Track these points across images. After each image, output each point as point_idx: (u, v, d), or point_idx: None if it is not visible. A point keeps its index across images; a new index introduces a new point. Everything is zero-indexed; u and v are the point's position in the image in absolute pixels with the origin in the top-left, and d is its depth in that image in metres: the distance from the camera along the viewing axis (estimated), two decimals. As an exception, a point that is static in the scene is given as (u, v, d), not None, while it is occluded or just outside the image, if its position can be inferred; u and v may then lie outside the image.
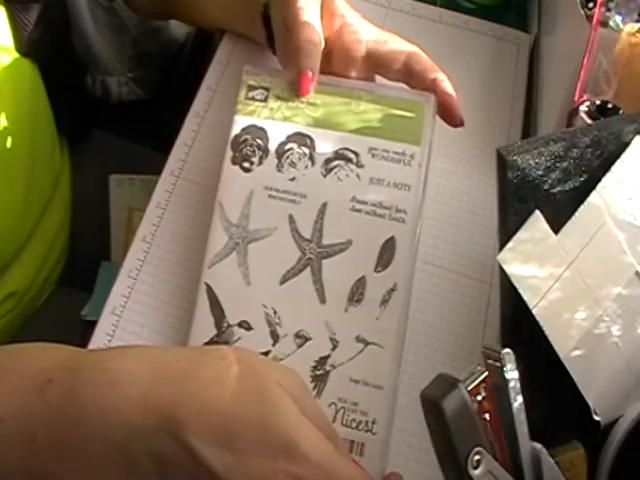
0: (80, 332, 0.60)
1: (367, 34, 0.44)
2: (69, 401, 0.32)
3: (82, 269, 0.66)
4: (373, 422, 0.39)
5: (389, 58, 0.43)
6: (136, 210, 0.71)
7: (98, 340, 0.45)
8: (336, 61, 0.44)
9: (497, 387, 0.32)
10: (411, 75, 0.43)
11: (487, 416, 0.32)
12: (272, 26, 0.47)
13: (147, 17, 0.74)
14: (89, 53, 0.77)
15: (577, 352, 0.36)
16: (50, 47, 0.54)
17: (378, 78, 0.47)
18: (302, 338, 0.40)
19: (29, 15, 0.51)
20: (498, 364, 0.32)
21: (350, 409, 0.39)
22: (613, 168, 0.37)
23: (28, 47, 0.51)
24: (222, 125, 0.52)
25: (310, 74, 0.42)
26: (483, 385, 0.31)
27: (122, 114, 0.81)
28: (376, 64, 0.44)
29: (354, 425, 0.39)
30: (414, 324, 0.46)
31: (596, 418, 0.37)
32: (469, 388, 0.30)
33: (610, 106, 0.43)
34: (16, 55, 0.50)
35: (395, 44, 0.44)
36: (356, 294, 0.40)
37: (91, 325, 0.46)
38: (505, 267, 0.35)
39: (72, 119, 0.66)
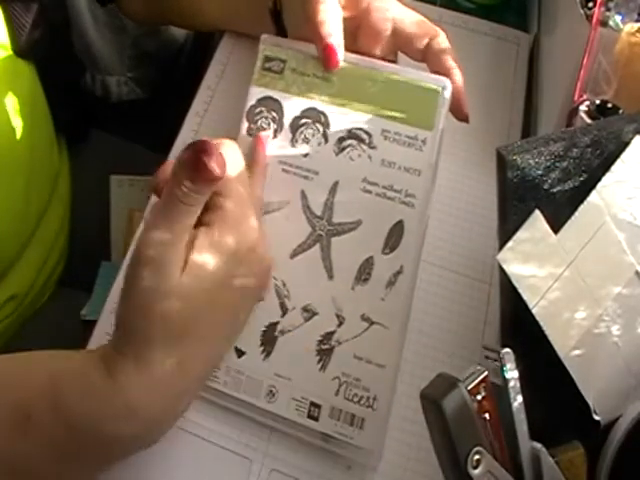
0: (80, 332, 0.60)
1: (394, 12, 0.43)
2: (54, 436, 0.32)
3: (82, 269, 0.67)
4: (374, 398, 0.40)
5: (414, 37, 0.43)
6: (136, 211, 0.71)
7: (98, 340, 0.45)
8: (362, 38, 0.44)
9: (497, 387, 0.32)
10: (431, 57, 0.43)
11: (487, 416, 0.32)
12: (284, 20, 0.47)
13: (141, 23, 0.74)
14: (89, 53, 0.77)
15: (577, 352, 0.36)
16: (49, 47, 0.54)
17: (400, 60, 0.46)
18: (309, 312, 0.41)
19: (27, 15, 0.51)
20: (498, 364, 0.32)
21: (353, 384, 0.40)
22: (613, 168, 0.37)
23: (26, 47, 0.51)
24: (222, 124, 0.53)
25: (336, 47, 0.41)
26: (483, 385, 0.31)
27: (122, 114, 0.81)
28: (401, 42, 0.44)
29: (356, 400, 0.40)
30: (414, 324, 0.46)
31: (596, 418, 0.37)
32: (469, 388, 0.30)
33: (610, 106, 0.43)
34: (13, 56, 0.50)
35: (422, 24, 0.44)
36: (363, 274, 0.41)
37: (91, 325, 0.46)
38: (505, 267, 0.35)
39: (71, 119, 0.66)
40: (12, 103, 0.50)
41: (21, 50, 0.51)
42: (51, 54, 0.55)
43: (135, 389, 0.32)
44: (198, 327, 0.33)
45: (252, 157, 0.41)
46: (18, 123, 0.51)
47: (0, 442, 0.33)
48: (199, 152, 0.31)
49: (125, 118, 0.80)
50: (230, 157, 0.35)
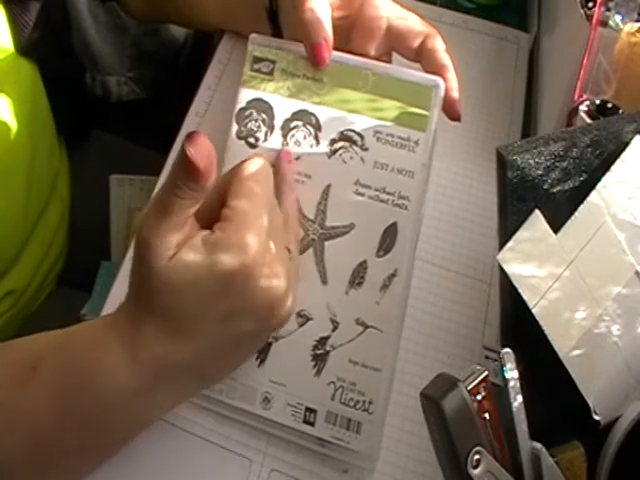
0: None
1: (388, 11, 0.43)
2: (60, 381, 0.33)
3: (82, 269, 0.67)
4: (370, 402, 0.39)
5: (408, 35, 0.43)
6: (136, 210, 0.71)
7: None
8: (356, 38, 0.43)
9: (497, 387, 0.32)
10: (425, 56, 0.43)
11: (487, 416, 0.32)
12: (280, 20, 0.47)
13: (141, 21, 0.74)
14: (89, 52, 0.77)
15: (577, 352, 0.36)
16: (49, 47, 0.54)
17: (395, 61, 0.46)
18: (303, 317, 0.40)
19: (28, 15, 0.51)
20: (498, 364, 0.32)
21: (348, 389, 0.40)
22: (613, 168, 0.37)
23: (28, 46, 0.51)
24: (222, 124, 0.53)
25: (324, 43, 0.41)
26: (483, 385, 0.31)
27: (122, 114, 0.81)
28: (395, 41, 0.44)
29: (352, 404, 0.39)
30: (414, 324, 0.46)
31: (596, 418, 0.37)
32: (469, 388, 0.30)
33: (610, 106, 0.43)
34: (15, 55, 0.50)
35: (416, 23, 0.44)
36: (357, 277, 0.40)
37: (91, 325, 0.46)
38: (505, 267, 0.35)
39: (72, 119, 0.66)
40: (13, 101, 0.50)
41: (23, 49, 0.51)
42: (51, 54, 0.55)
43: (146, 344, 0.33)
44: (183, 314, 0.33)
45: (277, 172, 0.40)
46: (19, 122, 0.51)
47: (6, 388, 0.34)
48: (185, 142, 0.32)
49: (125, 118, 0.80)
50: (254, 167, 0.36)
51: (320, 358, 0.40)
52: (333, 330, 0.40)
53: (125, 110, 0.81)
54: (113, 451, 0.36)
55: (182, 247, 0.33)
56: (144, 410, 0.35)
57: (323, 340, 0.40)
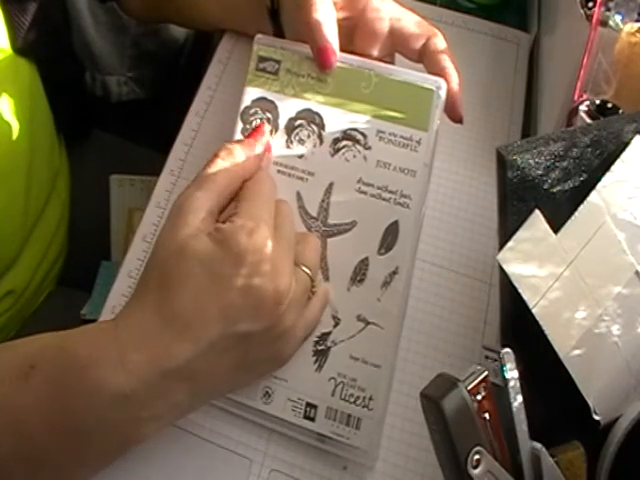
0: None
1: (391, 12, 0.44)
2: (55, 383, 0.33)
3: (82, 269, 0.67)
4: (370, 398, 0.40)
5: (410, 37, 0.43)
6: (136, 210, 0.71)
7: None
8: (359, 39, 0.44)
9: (497, 387, 0.32)
10: (427, 57, 0.43)
11: (487, 416, 0.32)
12: (281, 19, 0.47)
13: (141, 20, 0.74)
14: (89, 52, 0.77)
15: (577, 352, 0.36)
16: (48, 47, 0.54)
17: (397, 61, 0.47)
18: None
19: (26, 14, 0.51)
20: (498, 364, 0.32)
21: (349, 384, 0.40)
22: (613, 167, 0.37)
23: (25, 46, 0.51)
24: (222, 124, 0.53)
25: (330, 46, 0.41)
26: (483, 385, 0.31)
27: (122, 114, 0.81)
28: (398, 42, 0.44)
29: (352, 400, 0.40)
30: (414, 324, 0.46)
31: (596, 418, 0.37)
32: (469, 388, 0.30)
33: (610, 106, 0.43)
34: (14, 55, 0.50)
35: (419, 24, 0.44)
36: (359, 274, 0.41)
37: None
38: (505, 267, 0.35)
39: (71, 118, 0.66)
40: (12, 101, 0.50)
41: (20, 49, 0.51)
42: (51, 54, 0.55)
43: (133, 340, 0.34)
44: (185, 305, 0.34)
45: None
46: (18, 122, 0.51)
47: (2, 390, 0.34)
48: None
49: (125, 118, 0.80)
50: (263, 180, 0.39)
51: (321, 354, 0.40)
52: (334, 326, 0.40)
53: (125, 110, 0.82)
54: (104, 462, 0.36)
55: (202, 232, 0.35)
56: (131, 423, 0.34)
57: (324, 336, 0.40)
